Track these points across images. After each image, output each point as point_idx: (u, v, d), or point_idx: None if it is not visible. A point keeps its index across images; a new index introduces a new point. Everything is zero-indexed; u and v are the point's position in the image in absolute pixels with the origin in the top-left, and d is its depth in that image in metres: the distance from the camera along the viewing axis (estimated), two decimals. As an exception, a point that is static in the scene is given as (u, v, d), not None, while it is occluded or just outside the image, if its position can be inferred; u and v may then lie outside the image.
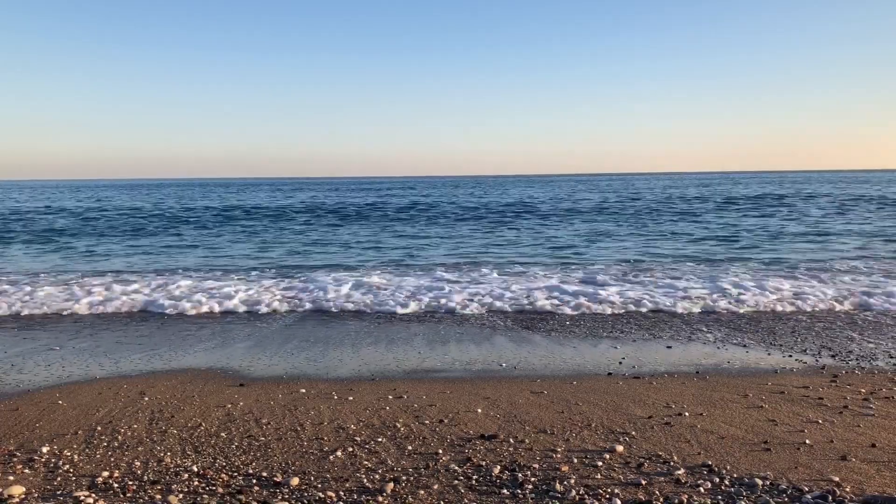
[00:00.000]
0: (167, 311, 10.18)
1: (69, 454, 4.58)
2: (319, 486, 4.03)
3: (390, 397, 5.87)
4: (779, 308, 9.85)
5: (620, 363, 7.04)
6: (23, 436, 4.99)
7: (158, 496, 3.89)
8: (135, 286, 12.23)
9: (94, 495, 3.90)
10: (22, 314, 10.06)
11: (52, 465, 4.40)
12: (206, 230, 26.67)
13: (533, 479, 4.07)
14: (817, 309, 9.75)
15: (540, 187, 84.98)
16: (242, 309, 10.37)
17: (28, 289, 12.00)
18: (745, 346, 7.76)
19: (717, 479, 4.02)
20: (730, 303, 10.20)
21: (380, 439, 4.83)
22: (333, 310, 10.25)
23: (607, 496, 3.81)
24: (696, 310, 9.85)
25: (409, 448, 4.65)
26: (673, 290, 11.19)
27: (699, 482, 3.98)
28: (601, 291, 11.07)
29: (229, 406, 5.67)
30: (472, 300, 10.60)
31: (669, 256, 16.59)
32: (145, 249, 19.86)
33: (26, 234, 25.13)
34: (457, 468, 4.26)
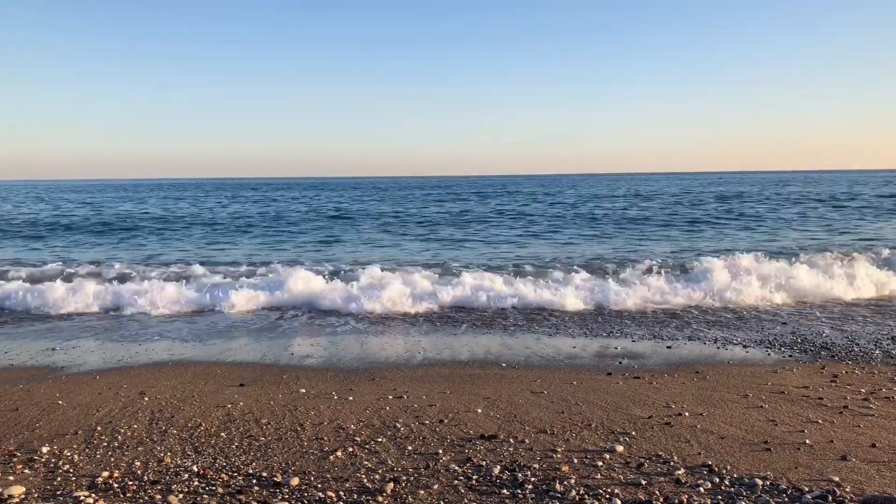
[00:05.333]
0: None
1: (69, 454, 4.57)
2: (319, 486, 4.02)
3: (390, 397, 5.87)
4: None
5: (620, 363, 7.04)
6: (23, 436, 4.98)
7: (158, 496, 3.89)
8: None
9: (94, 495, 3.89)
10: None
11: (52, 465, 4.40)
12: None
13: (533, 479, 4.06)
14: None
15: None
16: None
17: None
18: (745, 346, 7.76)
19: (717, 479, 4.01)
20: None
21: (380, 439, 4.83)
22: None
23: (607, 496, 3.80)
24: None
25: (409, 448, 4.64)
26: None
27: (699, 482, 3.98)
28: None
29: (229, 406, 5.67)
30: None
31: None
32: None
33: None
34: (457, 468, 4.26)
